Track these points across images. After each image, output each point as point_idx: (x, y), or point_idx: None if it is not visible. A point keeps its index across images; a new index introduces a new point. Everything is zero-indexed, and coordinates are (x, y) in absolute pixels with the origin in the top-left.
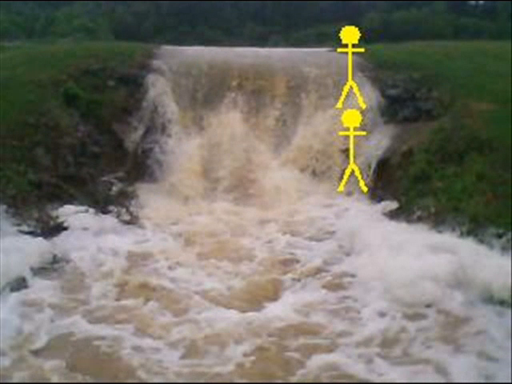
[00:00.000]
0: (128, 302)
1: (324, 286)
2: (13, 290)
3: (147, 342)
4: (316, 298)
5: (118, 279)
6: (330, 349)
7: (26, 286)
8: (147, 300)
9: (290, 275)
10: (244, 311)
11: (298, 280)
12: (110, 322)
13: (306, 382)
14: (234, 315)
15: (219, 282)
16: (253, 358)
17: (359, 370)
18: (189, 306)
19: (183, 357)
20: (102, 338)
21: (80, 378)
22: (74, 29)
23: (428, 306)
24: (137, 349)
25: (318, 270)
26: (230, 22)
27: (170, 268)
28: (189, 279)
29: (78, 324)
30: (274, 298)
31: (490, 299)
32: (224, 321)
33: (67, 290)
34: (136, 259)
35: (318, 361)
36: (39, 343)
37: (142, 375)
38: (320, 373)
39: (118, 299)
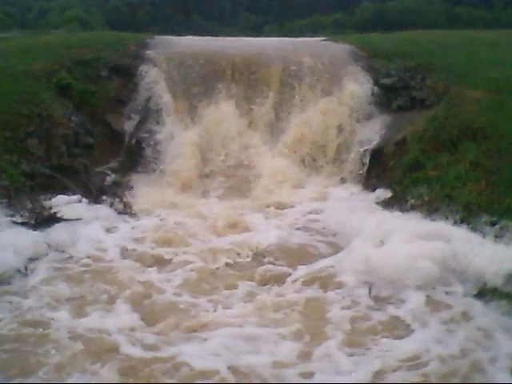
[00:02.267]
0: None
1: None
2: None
3: None
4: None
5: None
6: None
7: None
8: None
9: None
10: None
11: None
12: None
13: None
14: None
15: None
16: None
17: None
18: None
19: None
20: None
21: None
22: (67, 19)
23: (414, 290)
24: None
25: (307, 262)
26: (224, 12)
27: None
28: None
29: None
30: None
31: (482, 287)
32: None
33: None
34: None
35: None
36: None
37: None
38: None
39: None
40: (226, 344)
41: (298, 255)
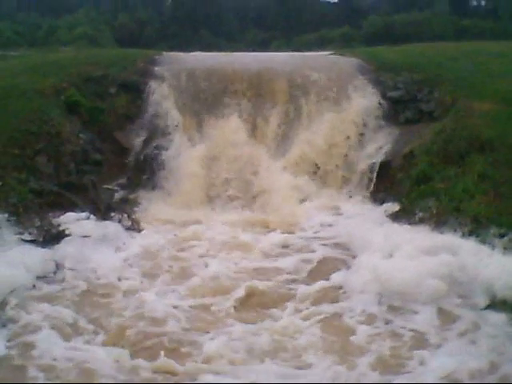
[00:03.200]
0: None
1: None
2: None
3: None
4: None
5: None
6: None
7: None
8: None
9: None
10: None
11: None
12: None
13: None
14: None
15: None
16: None
17: None
18: None
19: None
20: None
21: None
22: (75, 37)
23: (425, 304)
24: None
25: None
26: (231, 28)
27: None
28: None
29: None
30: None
31: (492, 299)
32: None
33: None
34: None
35: None
36: None
37: None
38: None
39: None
40: None
41: (308, 269)
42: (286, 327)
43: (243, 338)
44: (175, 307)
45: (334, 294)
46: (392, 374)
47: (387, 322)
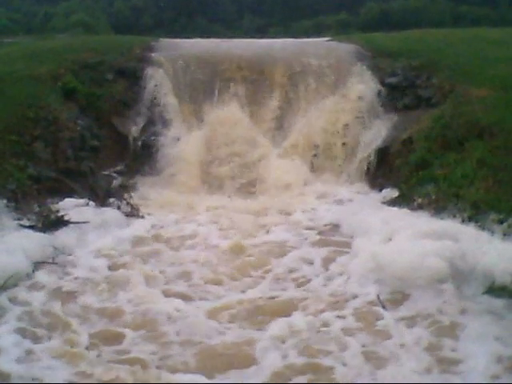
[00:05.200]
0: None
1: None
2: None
3: None
4: None
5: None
6: None
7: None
8: None
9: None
10: None
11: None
12: None
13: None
14: None
15: None
16: None
17: None
18: None
19: None
20: None
21: None
22: (72, 24)
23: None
24: None
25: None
26: (228, 15)
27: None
28: None
29: None
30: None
31: (491, 285)
32: None
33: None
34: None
35: None
36: None
37: None
38: None
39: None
40: None
41: (306, 256)
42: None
43: None
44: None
45: (335, 284)
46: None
47: (392, 310)
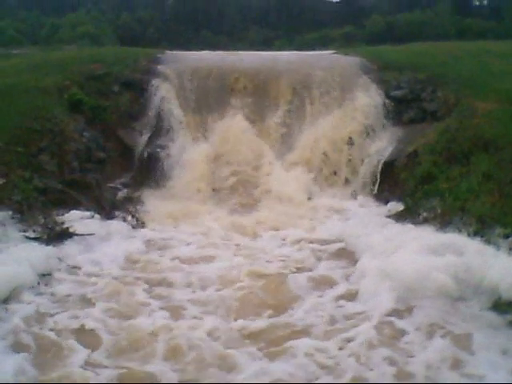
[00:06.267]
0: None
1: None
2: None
3: None
4: None
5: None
6: None
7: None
8: None
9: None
10: None
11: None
12: None
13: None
14: None
15: None
16: None
17: None
18: None
19: None
20: None
21: None
22: (78, 36)
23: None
24: None
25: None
26: (234, 27)
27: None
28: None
29: None
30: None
31: (497, 300)
32: None
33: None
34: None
35: None
36: None
37: None
38: None
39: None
40: None
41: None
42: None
43: None
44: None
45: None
46: None
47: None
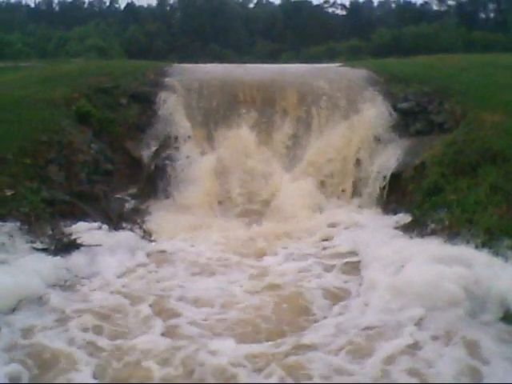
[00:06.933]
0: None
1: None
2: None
3: None
4: None
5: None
6: None
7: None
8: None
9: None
10: None
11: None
12: None
13: None
14: None
15: None
16: None
17: None
18: None
19: None
20: None
21: None
22: (86, 48)
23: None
24: None
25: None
26: (240, 40)
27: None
28: None
29: None
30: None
31: (505, 312)
32: None
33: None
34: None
35: None
36: None
37: None
38: None
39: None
40: None
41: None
42: None
43: None
44: None
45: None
46: None
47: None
